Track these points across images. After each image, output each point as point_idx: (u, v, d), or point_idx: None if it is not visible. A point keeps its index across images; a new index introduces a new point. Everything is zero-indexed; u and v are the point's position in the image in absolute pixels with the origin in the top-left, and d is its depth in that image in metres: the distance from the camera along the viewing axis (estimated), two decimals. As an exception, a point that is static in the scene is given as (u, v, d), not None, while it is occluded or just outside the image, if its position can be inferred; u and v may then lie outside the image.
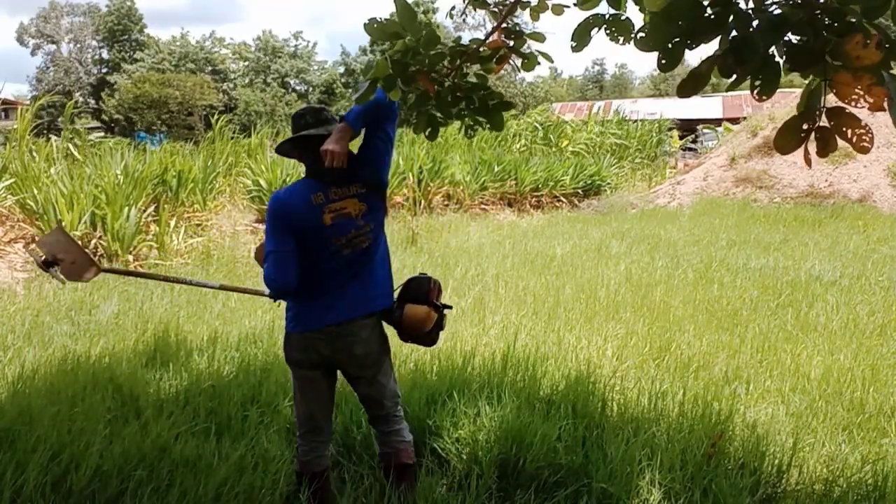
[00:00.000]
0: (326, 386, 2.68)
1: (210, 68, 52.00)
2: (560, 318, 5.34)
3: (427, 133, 2.66)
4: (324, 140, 2.46)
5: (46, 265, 2.91)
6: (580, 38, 2.08)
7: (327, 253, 2.49)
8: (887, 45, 1.53)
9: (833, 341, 4.87)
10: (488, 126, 2.66)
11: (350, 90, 47.84)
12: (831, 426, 3.53)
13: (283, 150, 2.65)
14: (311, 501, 2.63)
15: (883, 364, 4.45)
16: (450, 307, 2.77)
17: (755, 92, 1.69)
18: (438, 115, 2.58)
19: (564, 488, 2.83)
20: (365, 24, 2.16)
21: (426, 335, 2.67)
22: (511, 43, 2.53)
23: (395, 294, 2.70)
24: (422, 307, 2.61)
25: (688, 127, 30.27)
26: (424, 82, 2.30)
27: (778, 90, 1.70)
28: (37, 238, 7.84)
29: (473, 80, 2.57)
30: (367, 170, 2.57)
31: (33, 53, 53.98)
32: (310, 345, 2.54)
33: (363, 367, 2.60)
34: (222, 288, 3.43)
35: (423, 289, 2.66)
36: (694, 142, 28.31)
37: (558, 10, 2.47)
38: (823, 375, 4.21)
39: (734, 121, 22.33)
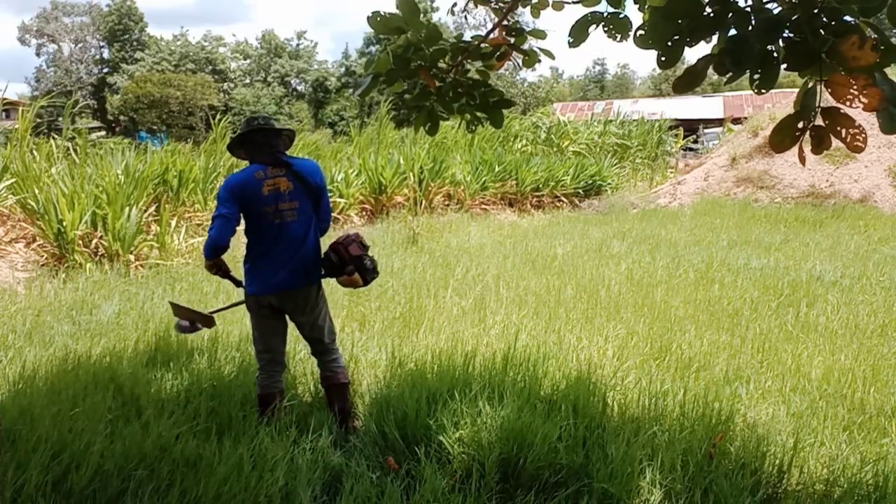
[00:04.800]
0: (280, 328, 3.47)
1: (210, 68, 52.02)
2: (561, 319, 5.34)
3: (426, 128, 2.66)
4: (265, 134, 3.26)
5: (193, 329, 3.71)
6: (578, 34, 2.09)
7: (265, 220, 3.24)
8: (882, 47, 1.54)
9: (834, 341, 4.87)
10: (488, 122, 2.68)
11: (352, 89, 47.85)
12: (832, 426, 3.52)
13: (232, 147, 3.42)
14: (269, 416, 3.30)
15: (883, 364, 4.44)
16: (367, 246, 3.48)
17: (754, 86, 1.70)
18: (439, 110, 2.59)
19: (565, 488, 2.83)
20: (368, 18, 2.16)
21: (364, 285, 3.46)
22: (512, 40, 2.53)
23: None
24: (347, 278, 3.36)
25: (689, 127, 30.25)
26: (425, 77, 2.30)
27: (779, 90, 1.72)
28: (37, 238, 7.88)
29: (475, 76, 2.57)
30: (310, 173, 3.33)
31: (38, 54, 54.10)
32: (263, 302, 3.35)
33: (304, 314, 3.40)
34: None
35: (340, 263, 3.37)
36: (695, 142, 28.30)
37: (558, 6, 2.48)
38: (824, 376, 4.21)
39: (735, 121, 22.32)
